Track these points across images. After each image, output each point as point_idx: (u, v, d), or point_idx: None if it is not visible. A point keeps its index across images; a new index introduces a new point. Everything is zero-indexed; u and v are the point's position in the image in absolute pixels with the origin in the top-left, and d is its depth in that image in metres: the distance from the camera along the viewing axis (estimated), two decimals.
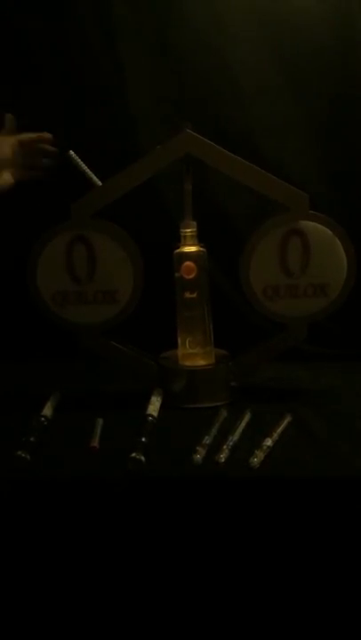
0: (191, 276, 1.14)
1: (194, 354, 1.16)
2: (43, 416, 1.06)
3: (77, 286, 1.14)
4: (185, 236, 1.15)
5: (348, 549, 0.90)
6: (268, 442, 0.97)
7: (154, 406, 1.09)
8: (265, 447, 0.96)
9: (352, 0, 1.31)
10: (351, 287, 1.14)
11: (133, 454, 0.92)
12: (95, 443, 0.98)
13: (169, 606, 0.91)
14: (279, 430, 1.01)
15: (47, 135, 1.14)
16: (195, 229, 1.15)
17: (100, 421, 1.05)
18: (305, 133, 1.37)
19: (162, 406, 1.10)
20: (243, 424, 1.04)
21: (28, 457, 0.94)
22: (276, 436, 1.00)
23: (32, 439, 0.97)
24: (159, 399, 1.11)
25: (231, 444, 0.97)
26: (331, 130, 1.36)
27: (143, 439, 0.97)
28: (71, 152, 1.11)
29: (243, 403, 1.12)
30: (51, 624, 0.92)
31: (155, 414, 1.06)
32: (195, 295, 1.15)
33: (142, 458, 0.92)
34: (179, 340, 1.17)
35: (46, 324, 1.16)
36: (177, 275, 1.15)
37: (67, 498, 0.91)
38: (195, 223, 1.15)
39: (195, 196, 1.14)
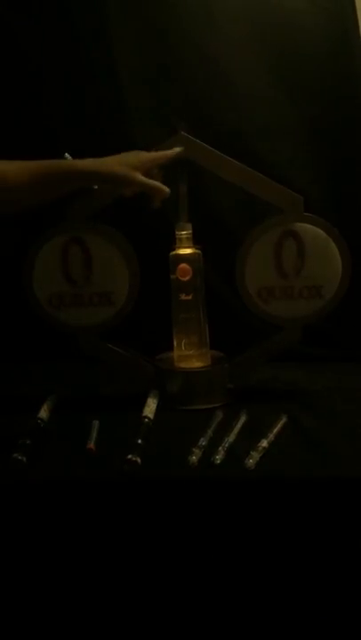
0: (187, 278, 1.14)
1: (190, 355, 1.17)
2: (39, 418, 1.06)
3: (73, 288, 1.14)
4: (180, 239, 1.15)
5: (345, 550, 0.90)
6: (264, 443, 0.97)
7: (150, 408, 1.09)
8: (261, 448, 0.96)
9: (347, 6, 1.32)
10: (346, 288, 1.15)
11: (130, 456, 0.93)
12: (92, 445, 0.99)
13: (167, 607, 0.92)
14: (275, 431, 1.02)
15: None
16: (190, 231, 1.15)
17: (97, 423, 1.05)
18: (300, 136, 1.38)
19: (158, 408, 1.10)
20: (238, 425, 1.04)
21: (25, 459, 0.94)
22: (271, 437, 1.00)
23: (28, 442, 0.97)
24: (155, 401, 1.12)
25: (227, 445, 0.98)
26: (325, 133, 1.37)
27: (139, 441, 0.97)
28: (67, 154, 1.12)
29: (238, 404, 1.12)
30: (49, 625, 0.92)
31: (151, 416, 1.07)
32: (190, 297, 1.15)
33: (138, 459, 0.93)
34: (174, 342, 1.17)
35: (42, 326, 1.16)
36: (173, 277, 1.15)
37: (63, 500, 0.91)
38: (190, 225, 1.15)
39: (190, 198, 1.14)
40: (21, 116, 1.35)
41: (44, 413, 1.08)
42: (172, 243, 1.15)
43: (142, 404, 1.10)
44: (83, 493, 0.91)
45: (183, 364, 1.17)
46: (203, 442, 0.98)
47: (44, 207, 1.15)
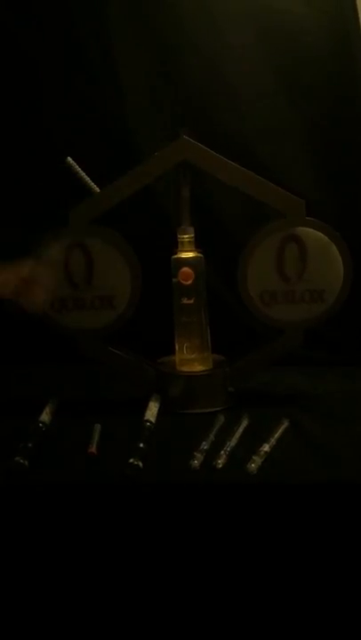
0: (189, 282, 1.14)
1: (191, 359, 1.17)
2: (41, 422, 1.06)
3: (75, 292, 1.14)
4: (182, 242, 1.15)
5: (347, 553, 0.90)
6: (266, 447, 0.97)
7: (152, 412, 1.09)
8: (262, 453, 0.96)
9: (347, 9, 1.32)
10: (348, 292, 1.15)
11: (131, 460, 0.93)
12: (93, 448, 0.99)
13: (167, 611, 0.92)
14: (277, 436, 1.02)
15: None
16: (192, 235, 1.15)
17: (98, 427, 1.05)
18: (301, 140, 1.37)
19: (159, 412, 1.10)
20: (240, 429, 1.04)
21: (26, 463, 0.94)
22: (273, 441, 1.00)
23: (30, 445, 0.97)
24: (157, 405, 1.12)
25: (229, 449, 0.98)
26: (327, 136, 1.36)
27: (141, 445, 0.97)
28: (69, 159, 1.12)
29: (240, 408, 1.12)
30: (49, 628, 0.92)
31: (152, 420, 1.07)
32: (192, 301, 1.15)
33: (140, 463, 0.93)
34: (176, 346, 1.17)
35: (44, 330, 1.16)
36: (174, 280, 1.15)
37: (65, 504, 0.91)
38: (192, 229, 1.15)
39: (192, 202, 1.14)
40: (21, 118, 1.35)
41: (45, 417, 1.08)
42: (174, 246, 1.15)
43: (144, 408, 1.10)
44: (84, 497, 0.91)
45: (185, 368, 1.17)
46: (204, 446, 0.98)
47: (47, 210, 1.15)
